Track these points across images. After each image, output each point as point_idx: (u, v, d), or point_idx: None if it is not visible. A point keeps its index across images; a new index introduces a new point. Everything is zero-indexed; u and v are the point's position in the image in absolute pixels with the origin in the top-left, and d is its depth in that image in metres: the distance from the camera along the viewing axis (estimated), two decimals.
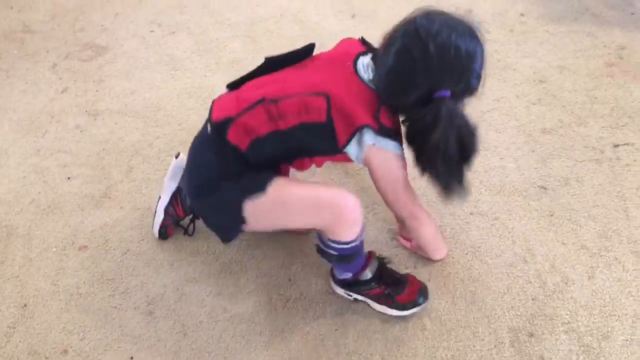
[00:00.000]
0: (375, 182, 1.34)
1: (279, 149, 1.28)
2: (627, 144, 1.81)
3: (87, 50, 2.31)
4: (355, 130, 1.22)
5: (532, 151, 1.81)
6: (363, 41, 1.36)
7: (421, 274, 1.51)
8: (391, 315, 1.43)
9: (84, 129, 1.98)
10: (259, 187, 1.25)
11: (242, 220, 1.29)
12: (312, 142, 1.27)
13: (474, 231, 1.60)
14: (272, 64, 1.33)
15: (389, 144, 1.26)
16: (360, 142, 1.24)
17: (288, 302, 1.48)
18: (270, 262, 1.57)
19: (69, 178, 1.81)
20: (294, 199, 1.26)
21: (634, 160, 1.76)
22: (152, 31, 2.39)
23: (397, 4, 2.43)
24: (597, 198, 1.67)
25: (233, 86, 1.36)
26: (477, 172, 1.74)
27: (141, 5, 2.53)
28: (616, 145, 1.81)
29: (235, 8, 2.49)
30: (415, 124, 1.23)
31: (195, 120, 1.98)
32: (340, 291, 1.48)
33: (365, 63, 1.28)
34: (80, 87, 2.14)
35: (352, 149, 1.25)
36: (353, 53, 1.31)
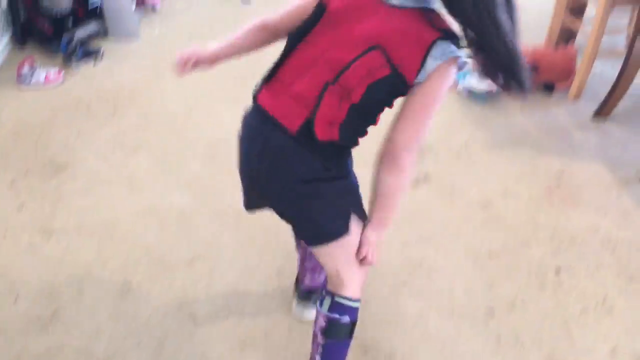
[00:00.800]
0: (419, 103, 1.20)
1: (363, 118, 1.24)
2: (569, 269, 1.89)
3: (47, 167, 2.34)
4: (421, 64, 1.15)
5: (480, 275, 1.87)
6: None
7: None
8: None
9: (37, 248, 1.97)
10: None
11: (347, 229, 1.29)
12: (386, 95, 1.22)
13: (423, 354, 1.62)
14: (294, 38, 1.26)
15: (455, 51, 1.15)
16: (424, 67, 1.15)
17: None
18: None
19: (15, 299, 1.78)
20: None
21: (575, 286, 1.83)
22: (113, 150, 2.45)
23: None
24: (542, 323, 1.71)
25: (266, 80, 1.32)
26: (425, 295, 1.78)
27: (105, 123, 2.61)
28: (558, 271, 1.89)
29: (197, 128, 2.59)
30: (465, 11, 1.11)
31: (151, 240, 2.00)
32: None
33: None
34: (37, 205, 2.16)
35: (420, 78, 1.16)
36: None
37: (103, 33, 3.24)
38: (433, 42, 1.14)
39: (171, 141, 2.50)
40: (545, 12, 3.41)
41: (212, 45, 1.44)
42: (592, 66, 2.67)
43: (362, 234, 1.31)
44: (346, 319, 1.33)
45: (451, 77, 1.18)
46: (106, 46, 3.16)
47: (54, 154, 2.42)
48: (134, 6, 3.31)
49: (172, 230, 2.05)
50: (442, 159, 2.39)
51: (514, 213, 2.13)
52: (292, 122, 1.23)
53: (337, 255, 1.32)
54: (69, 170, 2.33)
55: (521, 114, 2.67)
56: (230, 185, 2.25)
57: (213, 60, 1.47)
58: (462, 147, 2.47)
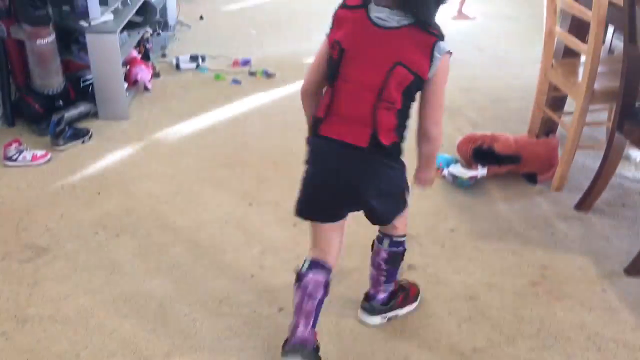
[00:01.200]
0: (433, 90, 1.60)
1: (405, 117, 1.64)
2: None
3: (26, 251, 2.30)
4: (430, 63, 1.54)
5: None
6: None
7: None
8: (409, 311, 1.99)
9: (10, 337, 1.91)
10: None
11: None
12: (414, 93, 1.62)
13: None
14: (330, 81, 1.63)
15: (447, 46, 1.56)
16: (433, 64, 1.55)
17: None
18: None
19: None
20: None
21: None
22: (96, 233, 2.42)
23: None
24: None
25: (322, 120, 1.65)
26: None
27: (89, 206, 2.59)
28: None
29: (181, 212, 2.58)
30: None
31: (127, 330, 1.94)
32: (376, 320, 1.97)
33: (381, 17, 1.55)
34: (13, 290, 2.11)
35: (431, 73, 1.56)
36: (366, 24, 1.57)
37: (93, 114, 3.28)
38: (434, 44, 1.54)
39: (154, 225, 2.48)
40: (525, 103, 3.51)
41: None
42: (573, 158, 2.72)
43: (415, 176, 1.83)
44: (401, 249, 1.92)
45: (449, 66, 1.59)
46: (95, 127, 3.19)
47: (35, 237, 2.38)
48: (125, 87, 3.37)
49: (150, 319, 2.00)
50: (426, 249, 2.38)
51: (499, 307, 2.10)
52: (361, 140, 1.60)
53: (404, 219, 1.87)
54: (49, 254, 2.29)
55: (505, 203, 2.69)
56: (212, 272, 2.23)
57: None
58: (447, 237, 2.46)
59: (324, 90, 1.67)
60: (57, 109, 3.14)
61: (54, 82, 3.15)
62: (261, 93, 3.70)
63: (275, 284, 2.18)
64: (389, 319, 1.99)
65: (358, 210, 1.73)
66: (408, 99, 1.60)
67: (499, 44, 4.62)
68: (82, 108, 3.24)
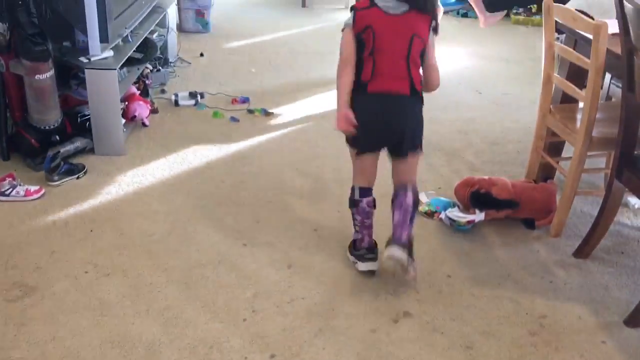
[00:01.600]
0: (429, 51, 2.30)
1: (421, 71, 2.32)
2: None
3: (14, 289, 2.26)
4: (430, 32, 2.28)
5: None
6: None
7: None
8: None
9: None
10: None
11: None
12: (424, 52, 2.29)
13: None
14: (369, 55, 2.26)
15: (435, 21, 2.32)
16: (431, 32, 2.30)
17: None
18: None
19: None
20: None
21: None
22: (86, 272, 2.38)
23: (331, 256, 2.53)
24: None
25: (368, 81, 2.27)
26: None
27: (81, 243, 2.55)
28: None
29: (174, 252, 2.54)
30: None
31: None
32: (404, 255, 2.24)
33: (390, 6, 2.22)
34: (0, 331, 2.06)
35: (430, 38, 2.29)
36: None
37: (89, 149, 3.26)
38: (431, 19, 2.27)
39: (146, 265, 2.44)
40: (523, 146, 3.52)
41: (344, 106, 2.27)
42: (571, 204, 2.70)
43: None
44: (417, 193, 2.39)
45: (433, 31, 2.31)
46: (91, 162, 3.17)
47: (24, 275, 2.34)
48: (123, 122, 3.36)
49: None
50: (423, 295, 2.34)
51: (495, 357, 2.05)
52: (404, 89, 2.26)
53: (417, 163, 2.40)
54: (37, 293, 2.24)
55: (503, 249, 2.65)
56: (203, 316, 2.18)
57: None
58: (444, 282, 2.42)
59: (364, 60, 2.25)
60: (53, 144, 3.12)
61: (52, 117, 3.15)
62: (259, 131, 3.70)
63: (267, 330, 2.13)
64: (407, 269, 2.28)
65: (396, 142, 2.32)
66: (422, 60, 2.29)
67: (497, 86, 4.64)
68: (78, 143, 3.22)
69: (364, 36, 2.22)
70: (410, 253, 2.28)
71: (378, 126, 2.29)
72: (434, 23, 2.28)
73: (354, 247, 2.47)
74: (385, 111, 2.27)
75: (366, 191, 2.39)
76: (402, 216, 2.29)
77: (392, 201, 2.36)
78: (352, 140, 2.35)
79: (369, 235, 2.42)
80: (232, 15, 6.25)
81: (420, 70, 2.29)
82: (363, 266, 2.41)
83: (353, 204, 2.40)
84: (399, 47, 2.22)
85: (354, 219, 2.43)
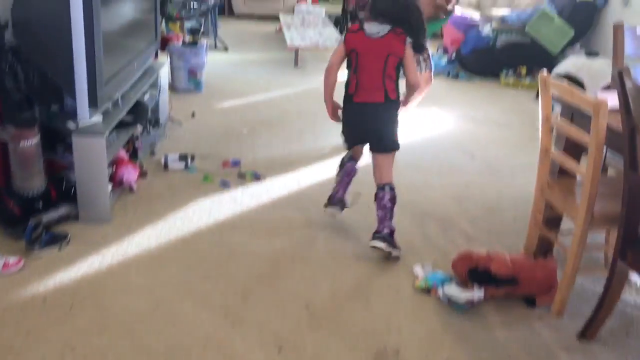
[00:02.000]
0: (408, 64, 2.94)
1: (397, 82, 2.95)
2: None
3: None
4: (404, 48, 2.89)
5: None
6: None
7: None
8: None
9: None
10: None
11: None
12: (400, 68, 2.94)
13: None
14: (352, 70, 2.97)
15: (408, 38, 2.92)
16: (405, 49, 2.90)
17: None
18: None
19: None
20: None
21: None
22: (62, 356, 2.23)
23: (325, 336, 2.40)
24: None
25: (353, 94, 2.97)
26: None
27: (59, 322, 2.41)
28: None
29: (158, 332, 2.39)
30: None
31: None
32: (383, 245, 2.87)
33: (372, 32, 2.89)
34: None
35: (405, 54, 2.90)
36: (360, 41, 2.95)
37: (74, 217, 3.14)
38: (405, 38, 2.88)
39: (127, 348, 2.29)
40: (519, 213, 3.44)
41: (330, 101, 3.07)
42: (573, 282, 2.60)
43: (402, 102, 3.09)
44: (394, 191, 2.95)
45: (410, 47, 2.94)
46: (75, 230, 3.05)
47: None
48: (110, 188, 3.26)
49: None
50: None
51: None
52: (380, 98, 2.90)
53: (391, 161, 3.01)
54: None
55: (503, 329, 2.54)
56: None
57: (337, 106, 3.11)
58: None
59: (350, 77, 2.95)
60: (36, 212, 3.01)
61: (35, 183, 3.04)
62: (249, 197, 3.60)
63: None
64: (390, 254, 2.91)
65: (376, 138, 2.98)
66: (397, 72, 2.92)
67: (489, 150, 4.61)
68: (62, 211, 3.11)
69: (351, 56, 2.92)
70: (391, 241, 2.90)
71: (361, 126, 3.01)
72: (409, 40, 2.90)
73: (328, 199, 3.21)
74: (365, 116, 2.96)
75: (352, 160, 3.18)
76: (383, 213, 2.90)
77: (375, 199, 2.96)
78: (344, 138, 3.13)
79: (343, 190, 3.19)
80: (224, 75, 6.25)
81: (394, 83, 2.93)
82: (328, 210, 3.20)
83: (342, 164, 3.20)
84: (377, 66, 2.87)
85: (337, 176, 3.22)
